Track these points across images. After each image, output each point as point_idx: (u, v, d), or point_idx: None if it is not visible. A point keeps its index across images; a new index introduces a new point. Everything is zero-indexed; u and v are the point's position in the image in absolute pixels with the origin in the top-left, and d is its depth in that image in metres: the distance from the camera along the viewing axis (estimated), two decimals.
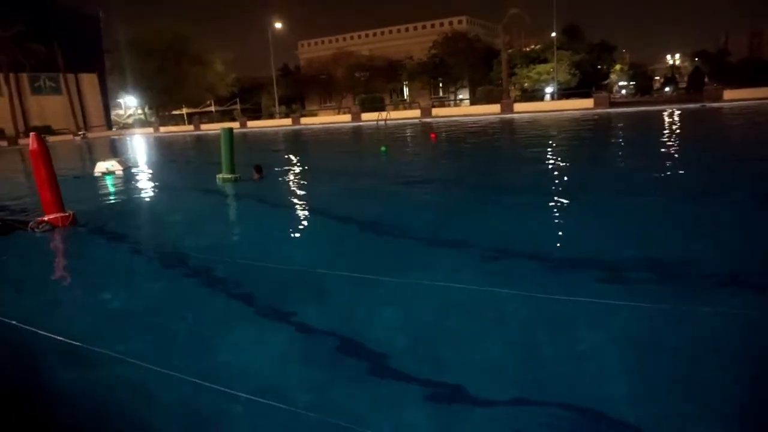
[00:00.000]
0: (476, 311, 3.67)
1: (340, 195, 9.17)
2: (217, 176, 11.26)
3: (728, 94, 30.36)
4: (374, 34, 69.20)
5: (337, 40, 70.96)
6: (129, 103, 67.54)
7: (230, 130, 11.69)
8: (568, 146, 15.68)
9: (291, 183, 11.20)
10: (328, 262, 5.01)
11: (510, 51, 48.90)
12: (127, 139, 44.93)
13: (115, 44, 54.64)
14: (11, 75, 50.71)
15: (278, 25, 52.81)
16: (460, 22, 62.61)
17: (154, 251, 5.99)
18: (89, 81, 59.54)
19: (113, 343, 3.42)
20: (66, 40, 51.44)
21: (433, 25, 64.07)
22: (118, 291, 4.67)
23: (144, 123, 61.92)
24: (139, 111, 66.74)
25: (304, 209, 8.06)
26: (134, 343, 3.46)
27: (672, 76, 75.71)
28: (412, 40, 64.62)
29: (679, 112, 26.92)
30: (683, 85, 70.17)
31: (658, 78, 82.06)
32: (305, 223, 7.22)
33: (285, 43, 74.63)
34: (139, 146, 31.83)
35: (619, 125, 22.44)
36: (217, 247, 5.89)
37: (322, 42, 72.58)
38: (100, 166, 15.16)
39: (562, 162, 11.92)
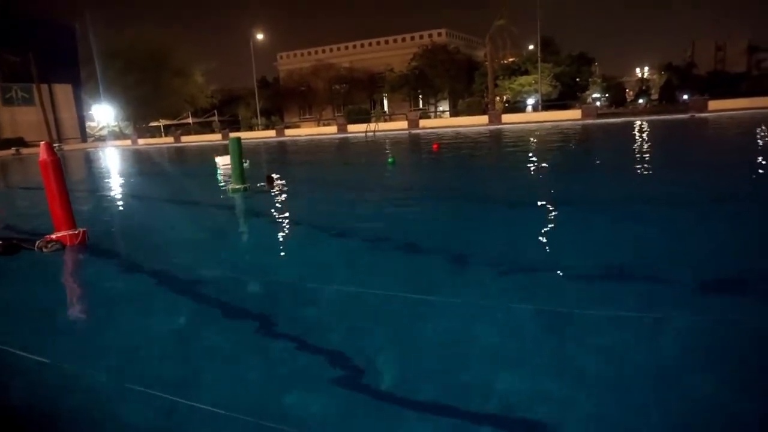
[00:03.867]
0: None
1: (370, 208, 8.79)
2: (228, 187, 10.88)
3: (712, 104, 31.05)
4: (354, 47, 69.14)
5: (316, 52, 70.65)
6: (102, 115, 65.79)
7: (238, 139, 11.34)
8: (607, 157, 15.56)
9: (305, 195, 10.77)
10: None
11: (494, 62, 49.39)
12: (105, 151, 43.60)
13: (92, 55, 53.17)
14: None
15: (259, 37, 52.28)
16: (439, 34, 63.02)
17: (166, 274, 5.43)
18: (64, 92, 57.74)
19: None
20: (41, 50, 49.88)
21: (413, 38, 64.32)
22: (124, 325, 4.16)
23: (119, 135, 60.34)
24: (114, 123, 65.10)
25: (323, 226, 7.52)
26: None
27: (645, 88, 77.72)
28: (392, 53, 64.74)
29: (676, 122, 27.39)
30: (655, 96, 72.19)
31: (629, 90, 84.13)
32: (330, 241, 6.71)
33: (264, 56, 74.17)
34: (126, 160, 30.76)
35: (636, 135, 22.37)
36: (235, 271, 5.43)
37: (302, 54, 72.17)
38: (220, 161, 16.47)
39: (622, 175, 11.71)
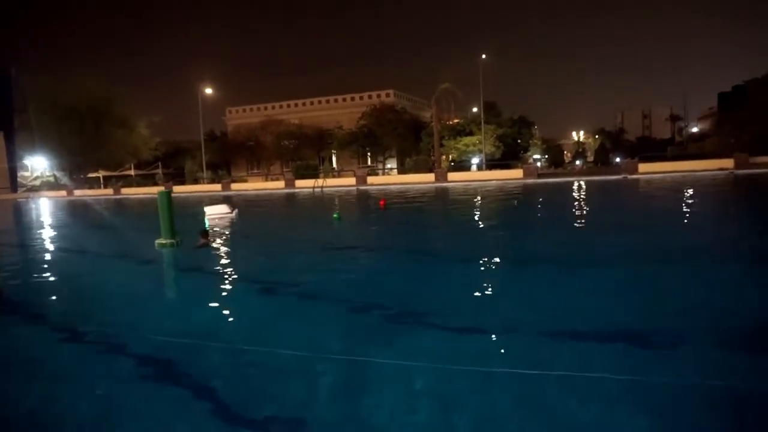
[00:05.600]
0: None
1: (305, 263, 8.63)
2: (155, 242, 10.42)
3: (642, 167, 33.00)
4: (304, 104, 70.16)
5: (266, 108, 71.11)
6: (37, 165, 62.90)
7: (168, 193, 11.05)
8: (523, 214, 15.96)
9: (239, 250, 10.42)
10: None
11: (439, 123, 51.05)
12: (36, 202, 41.37)
13: (27, 103, 51.19)
14: None
15: (208, 91, 52.08)
16: (387, 95, 65.04)
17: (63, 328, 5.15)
18: None
19: None
20: None
21: (361, 97, 66.03)
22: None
23: (54, 186, 57.61)
24: (48, 173, 62.27)
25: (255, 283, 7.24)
26: None
27: (581, 150, 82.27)
28: (341, 111, 66.04)
29: (608, 183, 28.80)
30: (590, 159, 76.55)
31: (566, 152, 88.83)
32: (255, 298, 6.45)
33: (213, 110, 73.77)
34: (56, 211, 29.20)
35: (574, 195, 23.30)
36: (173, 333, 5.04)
37: (251, 109, 72.46)
38: (209, 211, 16.73)
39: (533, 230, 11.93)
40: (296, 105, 70.46)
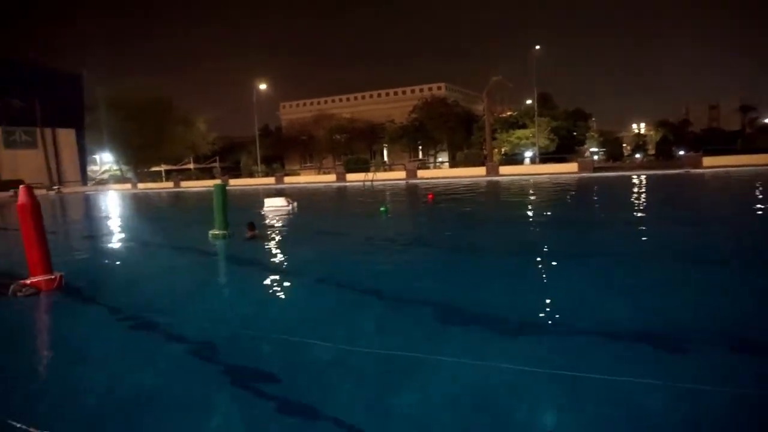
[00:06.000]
0: None
1: (347, 256, 8.74)
2: (209, 233, 10.80)
3: (706, 161, 31.31)
4: (355, 98, 70.66)
5: (318, 103, 72.13)
6: (105, 160, 66.52)
7: (223, 186, 11.36)
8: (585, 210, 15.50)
9: (286, 242, 10.64)
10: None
11: (491, 116, 50.28)
12: (103, 195, 43.78)
13: (96, 102, 54.33)
14: None
15: (262, 87, 53.40)
16: (439, 88, 64.54)
17: (136, 320, 5.29)
18: (67, 136, 58.62)
19: None
20: (46, 96, 51.01)
21: (413, 91, 65.83)
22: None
23: (120, 179, 60.80)
24: (116, 167, 65.74)
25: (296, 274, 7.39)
26: None
27: (642, 143, 78.88)
28: (392, 105, 66.06)
29: (667, 177, 27.54)
30: (651, 152, 73.13)
31: (625, 145, 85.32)
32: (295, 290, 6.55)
33: (267, 105, 75.65)
34: (121, 203, 30.81)
35: (629, 189, 22.53)
36: (205, 318, 5.27)
37: (304, 104, 73.68)
38: (268, 203, 17.21)
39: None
40: (348, 99, 71.07)
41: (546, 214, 14.17)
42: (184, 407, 3.36)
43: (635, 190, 20.97)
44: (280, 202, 17.46)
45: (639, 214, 13.11)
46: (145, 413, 3.28)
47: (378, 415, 3.11)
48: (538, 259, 7.60)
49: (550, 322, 4.67)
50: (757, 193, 17.01)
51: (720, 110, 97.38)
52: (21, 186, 7.24)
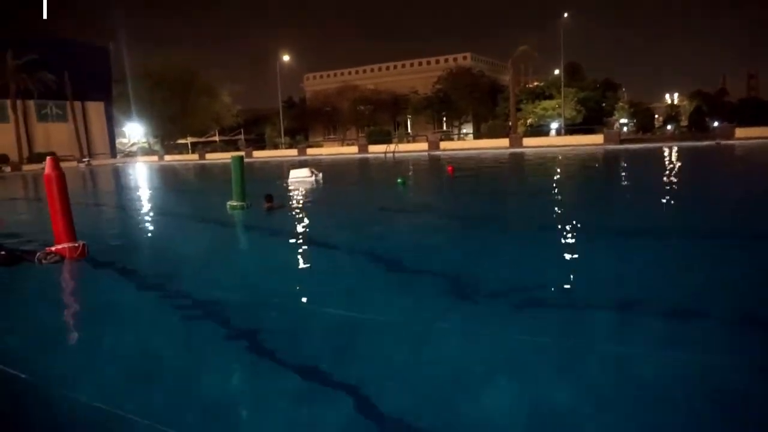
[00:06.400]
0: None
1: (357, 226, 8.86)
2: (227, 204, 11.04)
3: (739, 132, 30.32)
4: (379, 69, 69.95)
5: (342, 74, 71.68)
6: (133, 132, 67.68)
7: (240, 158, 11.50)
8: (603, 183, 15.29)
9: (300, 214, 10.84)
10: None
11: (516, 86, 49.33)
12: (131, 166, 44.78)
13: (124, 74, 55.06)
14: (18, 101, 50.82)
15: (286, 58, 53.33)
16: (465, 58, 63.37)
17: (161, 290, 5.51)
18: (96, 109, 59.71)
19: None
20: (75, 69, 51.86)
21: (437, 61, 64.81)
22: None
23: (147, 151, 61.94)
24: (143, 139, 66.91)
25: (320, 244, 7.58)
26: None
27: (674, 114, 76.24)
28: (416, 75, 65.22)
29: (699, 149, 26.84)
30: (684, 123, 70.70)
31: (657, 116, 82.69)
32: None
33: (291, 77, 75.33)
34: (148, 175, 31.51)
35: (651, 162, 22.08)
36: (227, 287, 5.44)
37: (328, 75, 73.32)
38: (293, 174, 17.42)
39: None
40: (372, 70, 70.42)
41: (554, 188, 14.05)
42: (187, 366, 3.57)
43: (649, 162, 20.58)
44: (304, 173, 17.64)
45: (620, 188, 12.91)
46: (152, 375, 3.48)
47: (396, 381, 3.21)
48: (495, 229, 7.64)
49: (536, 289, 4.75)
50: None
51: (759, 79, 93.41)
52: (48, 158, 7.53)
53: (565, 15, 41.24)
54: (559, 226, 7.83)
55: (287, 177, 17.78)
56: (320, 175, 17.82)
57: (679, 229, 7.52)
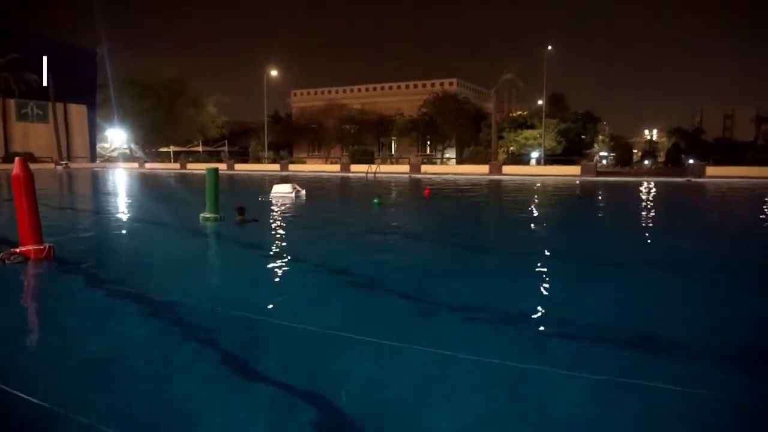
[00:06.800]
0: None
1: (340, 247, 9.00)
2: (200, 215, 11.05)
3: (710, 170, 31.26)
4: (366, 89, 70.69)
5: (329, 92, 72.24)
6: (116, 137, 67.11)
7: (215, 170, 11.53)
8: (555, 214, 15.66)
9: (270, 227, 10.91)
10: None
11: (499, 114, 50.25)
12: (109, 172, 44.29)
13: (109, 79, 54.89)
14: None
15: (273, 73, 53.68)
16: (450, 83, 64.41)
17: (119, 290, 5.59)
18: (78, 112, 59.22)
19: None
20: (59, 71, 51.47)
21: (424, 85, 65.74)
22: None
23: (129, 158, 61.37)
24: (125, 145, 66.35)
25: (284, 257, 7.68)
26: None
27: (651, 149, 78.30)
28: (402, 98, 66.04)
29: (667, 185, 27.56)
30: (661, 159, 72.58)
31: (636, 151, 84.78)
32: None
33: (279, 92, 75.86)
34: (125, 182, 31.22)
35: (617, 196, 22.65)
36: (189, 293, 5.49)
37: (315, 93, 73.82)
38: (275, 189, 17.65)
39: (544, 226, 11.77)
40: (359, 90, 71.12)
41: (523, 216, 14.34)
42: (140, 368, 3.62)
43: (616, 195, 21.27)
44: (287, 189, 17.82)
45: (576, 220, 13.30)
46: (102, 376, 3.50)
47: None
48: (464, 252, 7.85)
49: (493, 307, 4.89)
50: (736, 203, 17.24)
51: (734, 119, 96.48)
52: (17, 158, 7.51)
53: (549, 48, 42.36)
54: (505, 249, 8.28)
55: (269, 192, 17.89)
56: (303, 191, 17.96)
57: (620, 258, 7.77)
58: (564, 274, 6.75)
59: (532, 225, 11.93)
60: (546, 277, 6.45)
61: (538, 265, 7.05)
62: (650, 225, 12.32)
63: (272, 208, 14.36)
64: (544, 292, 5.70)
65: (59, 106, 55.78)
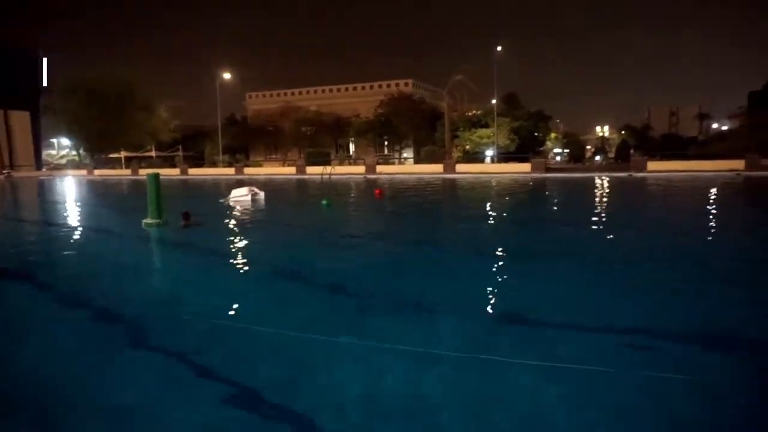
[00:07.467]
0: None
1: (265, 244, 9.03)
2: (143, 221, 10.99)
3: (651, 165, 32.60)
4: (323, 91, 70.55)
5: (285, 94, 71.73)
6: (64, 144, 64.79)
7: (156, 175, 11.47)
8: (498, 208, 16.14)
9: (216, 231, 10.90)
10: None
11: (454, 114, 50.94)
12: (55, 180, 42.77)
13: (54, 85, 52.92)
14: None
15: (227, 76, 52.85)
16: (406, 84, 64.98)
17: (54, 299, 5.69)
18: (20, 119, 56.88)
19: None
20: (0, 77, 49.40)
21: (380, 86, 66.11)
22: None
23: (77, 165, 59.32)
24: (73, 152, 64.07)
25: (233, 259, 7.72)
26: None
27: (602, 146, 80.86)
28: (359, 99, 66.21)
29: (607, 180, 28.59)
30: (612, 154, 75.10)
31: (589, 147, 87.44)
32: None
33: (234, 95, 74.76)
34: (69, 189, 30.24)
35: (555, 190, 23.39)
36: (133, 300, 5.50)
37: (271, 95, 73.17)
38: (233, 193, 17.84)
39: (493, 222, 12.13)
40: (315, 92, 70.90)
41: (464, 212, 14.72)
42: (82, 369, 3.69)
43: (569, 191, 21.94)
44: (243, 192, 18.07)
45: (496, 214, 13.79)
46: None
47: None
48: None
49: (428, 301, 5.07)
50: (661, 196, 18.09)
51: (680, 116, 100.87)
52: None
53: (498, 48, 43.19)
54: (438, 243, 8.56)
55: (226, 195, 18.00)
56: (261, 194, 18.16)
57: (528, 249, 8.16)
58: (478, 266, 7.03)
59: (461, 224, 12.30)
60: (461, 270, 6.71)
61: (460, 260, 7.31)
62: (569, 219, 12.86)
63: (227, 211, 14.30)
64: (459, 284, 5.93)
65: None
